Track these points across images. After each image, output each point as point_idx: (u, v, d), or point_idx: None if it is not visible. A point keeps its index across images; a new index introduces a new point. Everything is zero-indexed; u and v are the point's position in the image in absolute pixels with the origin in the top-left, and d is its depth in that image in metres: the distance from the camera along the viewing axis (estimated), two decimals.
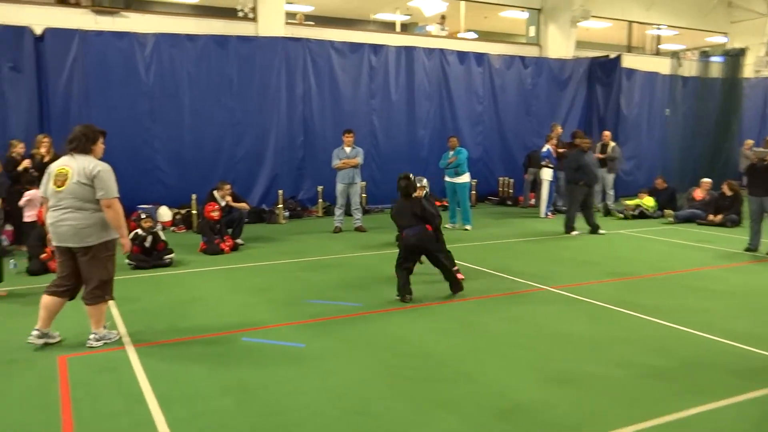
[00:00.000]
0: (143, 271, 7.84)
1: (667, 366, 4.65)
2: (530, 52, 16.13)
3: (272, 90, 12.63)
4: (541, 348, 5.02)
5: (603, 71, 16.03)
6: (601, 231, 10.67)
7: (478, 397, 4.09)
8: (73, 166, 4.88)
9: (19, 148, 9.43)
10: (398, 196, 6.76)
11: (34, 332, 5.02)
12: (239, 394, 4.12)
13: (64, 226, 4.86)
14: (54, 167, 4.98)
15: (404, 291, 6.36)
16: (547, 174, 12.48)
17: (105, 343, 5.11)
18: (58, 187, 4.87)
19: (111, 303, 6.16)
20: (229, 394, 4.11)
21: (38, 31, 10.73)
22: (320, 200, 12.97)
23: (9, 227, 9.44)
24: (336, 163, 11.00)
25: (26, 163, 9.27)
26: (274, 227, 11.58)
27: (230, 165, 12.37)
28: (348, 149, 11.01)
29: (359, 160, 10.98)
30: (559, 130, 13.20)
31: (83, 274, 5.01)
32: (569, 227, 10.69)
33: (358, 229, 11.00)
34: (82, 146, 4.94)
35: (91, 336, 5.12)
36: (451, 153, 11.31)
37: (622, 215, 12.57)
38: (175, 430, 3.61)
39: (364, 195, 13.42)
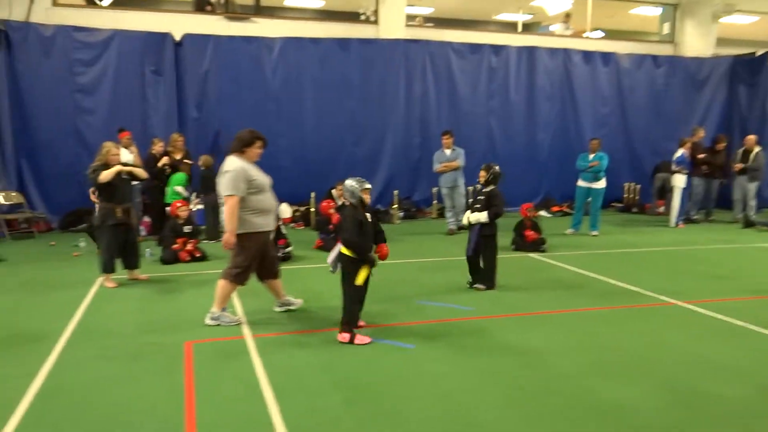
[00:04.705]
0: None
1: None
2: (663, 50, 15.12)
3: (391, 92, 12.75)
4: (671, 367, 4.61)
5: (747, 70, 14.65)
6: None
7: (600, 413, 3.82)
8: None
9: (158, 146, 10.18)
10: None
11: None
12: (350, 391, 4.13)
13: None
14: None
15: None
16: (679, 181, 11.62)
17: (219, 324, 5.46)
18: None
19: (234, 293, 6.47)
20: (340, 390, 4.14)
21: (177, 37, 11.53)
22: (434, 202, 12.89)
23: (147, 218, 10.22)
24: (437, 167, 10.80)
25: (165, 160, 9.98)
26: (388, 227, 11.61)
27: (349, 165, 12.59)
28: (448, 151, 10.76)
29: (460, 162, 10.66)
30: (702, 134, 12.24)
31: None
32: None
33: None
34: (234, 147, 5.37)
35: (209, 314, 5.53)
36: (592, 156, 10.81)
37: (766, 228, 11.42)
38: (289, 421, 3.68)
39: None
